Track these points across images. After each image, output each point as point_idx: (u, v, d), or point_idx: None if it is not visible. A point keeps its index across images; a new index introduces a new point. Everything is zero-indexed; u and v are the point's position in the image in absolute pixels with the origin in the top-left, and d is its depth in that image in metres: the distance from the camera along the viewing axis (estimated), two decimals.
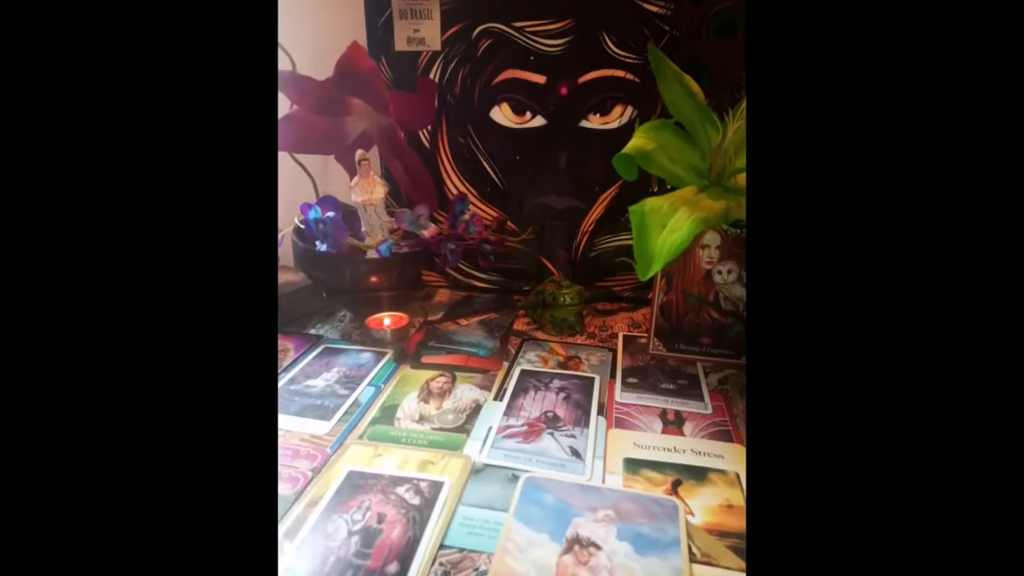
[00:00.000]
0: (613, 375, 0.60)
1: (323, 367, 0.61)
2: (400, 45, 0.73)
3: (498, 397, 0.56)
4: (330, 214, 0.65)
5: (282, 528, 0.39)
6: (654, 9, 0.68)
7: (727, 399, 0.56)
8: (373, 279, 0.68)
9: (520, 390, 0.57)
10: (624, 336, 0.69)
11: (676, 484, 0.44)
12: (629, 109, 0.72)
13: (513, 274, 0.81)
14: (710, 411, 0.54)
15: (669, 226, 0.50)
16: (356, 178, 0.67)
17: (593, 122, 0.73)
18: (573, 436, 0.50)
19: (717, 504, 0.42)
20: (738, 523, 0.40)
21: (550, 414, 0.53)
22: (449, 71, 0.74)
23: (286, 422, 0.51)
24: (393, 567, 0.36)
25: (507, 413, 0.53)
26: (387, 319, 0.67)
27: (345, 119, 0.72)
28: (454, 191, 0.78)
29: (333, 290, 0.73)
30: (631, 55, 0.70)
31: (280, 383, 0.58)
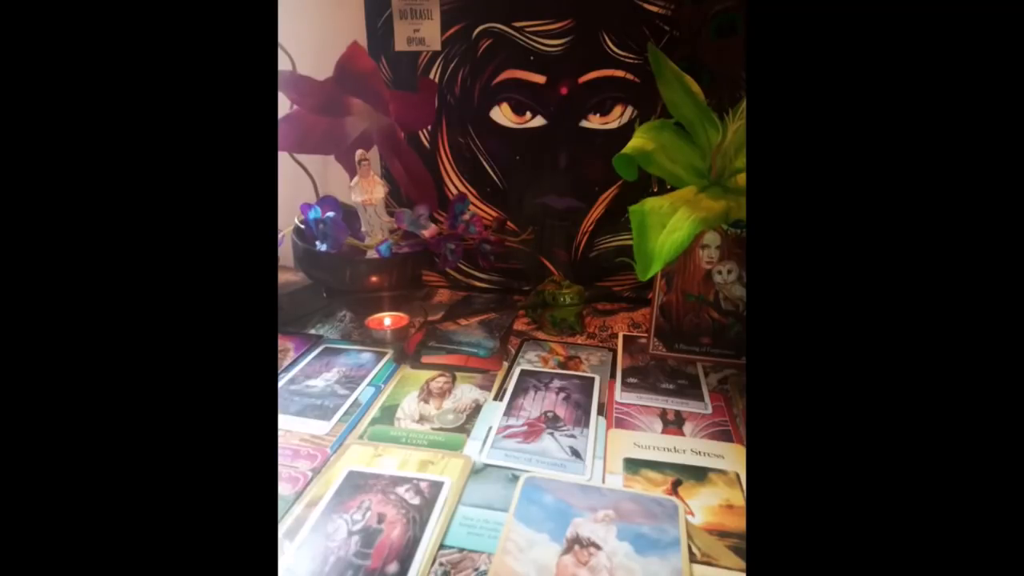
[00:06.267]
0: (613, 375, 0.60)
1: (323, 367, 0.61)
2: (400, 45, 0.73)
3: (498, 397, 0.56)
4: (330, 214, 0.65)
5: (282, 528, 0.39)
6: (654, 9, 0.68)
7: (727, 399, 0.56)
8: (373, 279, 0.68)
9: (520, 390, 0.57)
10: (624, 336, 0.69)
11: (676, 484, 0.44)
12: (629, 109, 0.72)
13: (513, 274, 0.81)
14: (710, 411, 0.54)
15: (669, 226, 0.50)
16: (356, 178, 0.67)
17: (593, 122, 0.73)
18: (573, 436, 0.50)
19: (717, 504, 0.42)
20: (738, 523, 0.40)
21: (550, 414, 0.53)
22: (449, 71, 0.74)
23: (286, 422, 0.51)
24: (393, 567, 0.36)
25: (507, 413, 0.53)
26: (387, 319, 0.67)
27: (345, 119, 0.72)
28: (454, 191, 0.78)
29: (333, 290, 0.73)
30: (631, 55, 0.70)
31: (280, 383, 0.58)
